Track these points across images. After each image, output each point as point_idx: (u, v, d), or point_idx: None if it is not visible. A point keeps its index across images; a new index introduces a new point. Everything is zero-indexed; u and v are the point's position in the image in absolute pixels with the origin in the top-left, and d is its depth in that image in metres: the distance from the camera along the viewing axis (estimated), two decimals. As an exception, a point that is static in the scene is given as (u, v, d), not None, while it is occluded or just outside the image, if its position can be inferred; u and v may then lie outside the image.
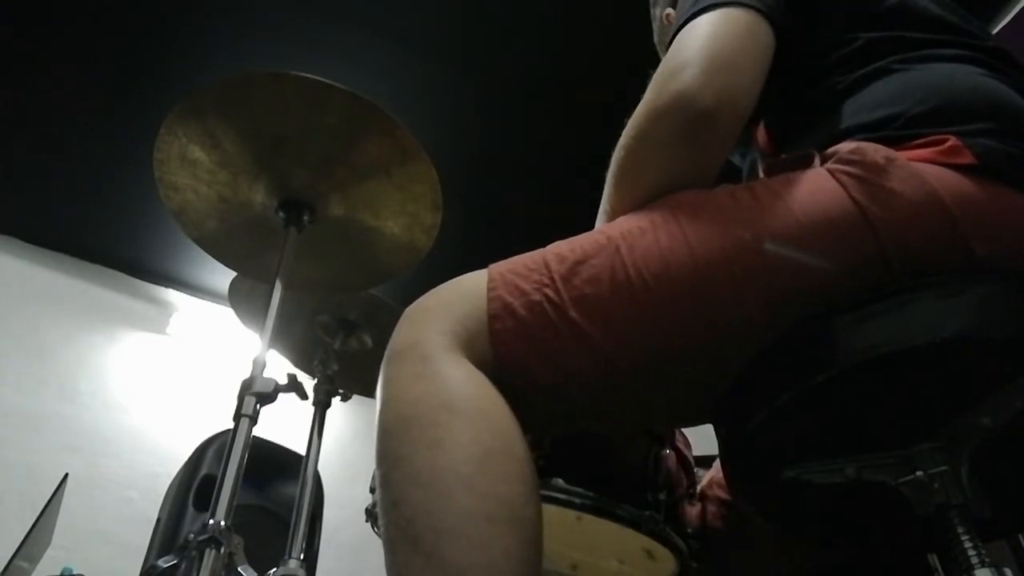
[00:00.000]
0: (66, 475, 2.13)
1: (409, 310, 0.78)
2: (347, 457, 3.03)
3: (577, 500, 0.96)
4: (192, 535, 1.06)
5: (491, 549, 0.58)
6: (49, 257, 3.11)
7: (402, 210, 1.46)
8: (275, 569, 1.44)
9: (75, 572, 2.14)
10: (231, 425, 1.19)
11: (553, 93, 2.57)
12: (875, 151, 0.70)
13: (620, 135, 0.81)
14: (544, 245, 0.79)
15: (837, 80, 0.84)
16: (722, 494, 1.07)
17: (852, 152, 0.71)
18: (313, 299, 1.79)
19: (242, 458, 1.14)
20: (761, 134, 0.98)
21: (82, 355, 3.02)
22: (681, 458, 1.08)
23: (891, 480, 0.69)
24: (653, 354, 0.71)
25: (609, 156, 0.83)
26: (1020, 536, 1.28)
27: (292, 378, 1.29)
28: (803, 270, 0.68)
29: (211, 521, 1.06)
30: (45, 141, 2.69)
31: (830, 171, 0.71)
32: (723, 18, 0.78)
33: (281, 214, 1.44)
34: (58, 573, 2.11)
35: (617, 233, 0.75)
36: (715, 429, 0.78)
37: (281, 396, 1.25)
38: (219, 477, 1.11)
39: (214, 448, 2.17)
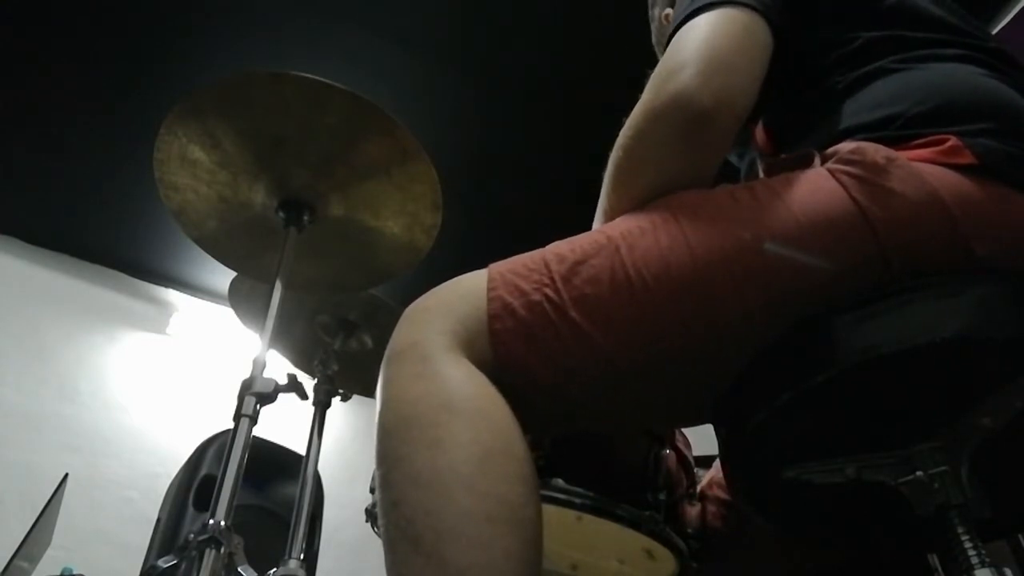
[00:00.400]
0: (66, 475, 2.13)
1: (409, 310, 0.78)
2: (347, 457, 3.03)
3: (577, 500, 0.96)
4: (192, 535, 1.06)
5: (491, 549, 0.58)
6: (49, 257, 3.11)
7: (402, 210, 1.46)
8: (275, 569, 1.44)
9: (75, 572, 2.14)
10: (231, 425, 1.19)
11: (553, 93, 2.57)
12: (875, 151, 0.70)
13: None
14: (544, 245, 0.79)
15: (837, 80, 0.84)
16: (722, 494, 1.07)
17: (852, 152, 0.71)
18: (313, 299, 1.79)
19: (242, 458, 1.14)
20: (760, 134, 0.98)
21: (82, 355, 3.02)
22: (681, 458, 1.08)
23: (891, 480, 0.69)
24: (653, 354, 0.71)
25: (609, 156, 0.83)
26: (1020, 536, 1.27)
27: (292, 378, 1.29)
28: (803, 270, 0.68)
29: (211, 521, 1.06)
30: (45, 141, 2.69)
31: (830, 171, 0.71)
32: (721, 18, 0.78)
33: (281, 214, 1.44)
34: (58, 573, 2.11)
35: (617, 233, 0.75)
36: (715, 429, 0.78)
37: (281, 396, 1.25)
38: (219, 477, 1.11)
39: (214, 448, 2.17)
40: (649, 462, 1.03)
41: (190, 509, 2.02)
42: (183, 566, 1.08)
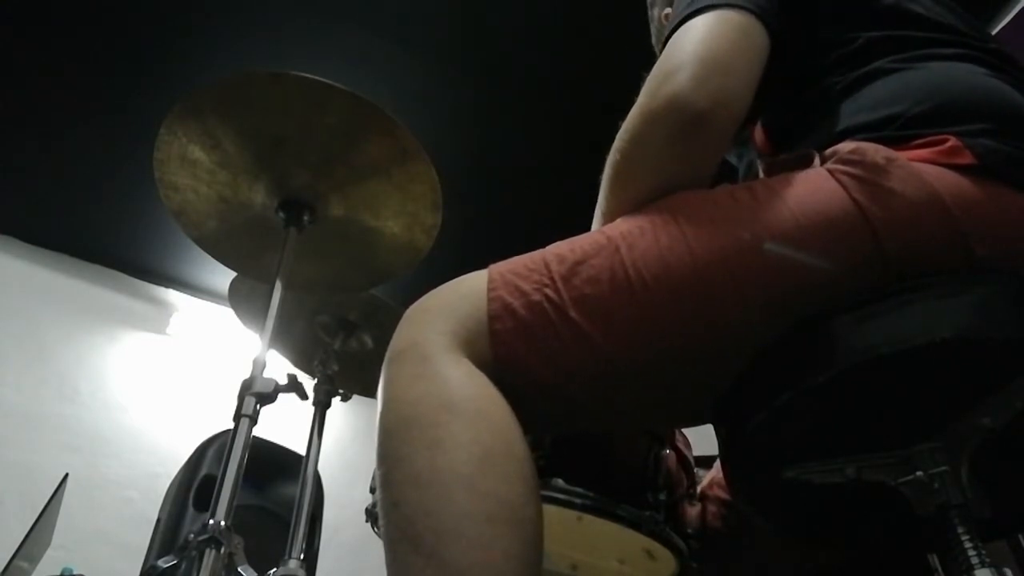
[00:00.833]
0: (66, 475, 2.13)
1: (409, 311, 0.78)
2: (347, 457, 3.03)
3: (577, 500, 0.96)
4: (192, 535, 1.06)
5: (491, 549, 0.58)
6: (49, 257, 3.11)
7: (402, 210, 1.46)
8: (275, 569, 1.44)
9: (75, 572, 2.14)
10: (231, 425, 1.19)
11: (553, 93, 2.57)
12: (875, 151, 0.70)
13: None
14: (544, 245, 0.79)
15: (836, 80, 0.84)
16: (722, 494, 1.07)
17: (852, 152, 0.71)
18: (313, 299, 1.79)
19: (242, 458, 1.14)
20: (759, 134, 0.98)
21: (82, 355, 3.02)
22: (681, 458, 1.08)
23: (891, 480, 0.69)
24: (653, 354, 0.71)
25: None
26: (1020, 536, 1.27)
27: (292, 378, 1.29)
28: (803, 270, 0.68)
29: (211, 521, 1.06)
30: (45, 141, 2.69)
31: (830, 171, 0.71)
32: (717, 20, 0.78)
33: (281, 214, 1.45)
34: (58, 573, 2.11)
35: (617, 233, 0.75)
36: (715, 429, 0.78)
37: (281, 396, 1.25)
38: (219, 477, 1.11)
39: (214, 448, 2.17)
40: (649, 462, 1.03)
41: (190, 509, 2.02)
42: (183, 566, 1.08)
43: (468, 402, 0.67)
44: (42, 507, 1.96)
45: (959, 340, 0.62)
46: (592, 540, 1.04)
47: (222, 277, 2.12)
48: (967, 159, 0.69)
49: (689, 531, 1.03)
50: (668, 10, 1.19)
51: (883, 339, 0.64)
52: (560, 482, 0.97)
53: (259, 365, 1.26)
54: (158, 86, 2.36)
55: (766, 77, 0.80)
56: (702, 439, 1.03)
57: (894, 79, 0.80)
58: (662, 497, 1.01)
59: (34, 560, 1.99)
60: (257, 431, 1.21)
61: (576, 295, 0.72)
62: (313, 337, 1.85)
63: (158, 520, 2.11)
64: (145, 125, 1.48)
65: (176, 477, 2.18)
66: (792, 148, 0.84)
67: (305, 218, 1.45)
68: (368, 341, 1.87)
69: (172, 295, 3.34)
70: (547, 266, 0.75)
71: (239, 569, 1.12)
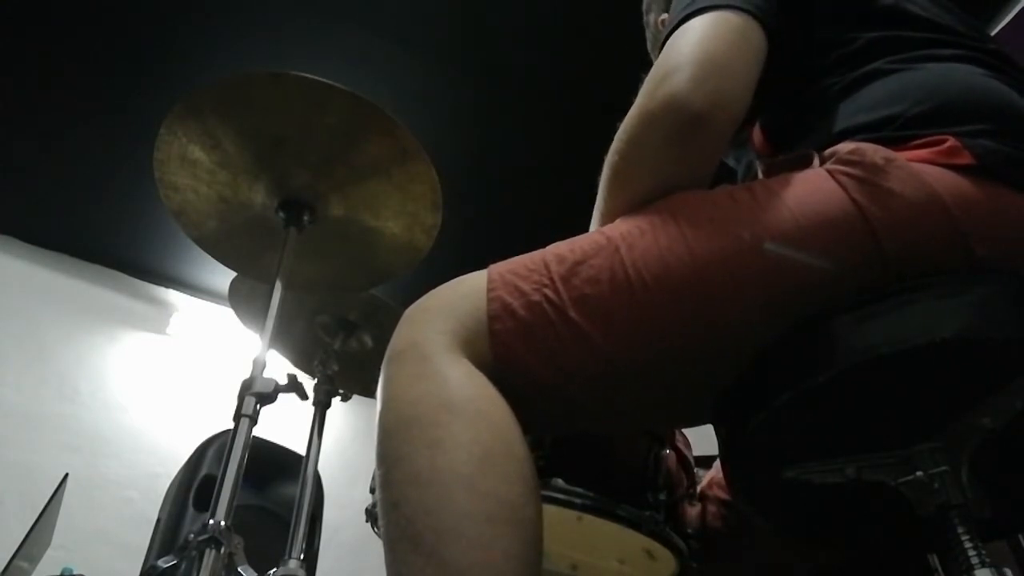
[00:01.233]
0: (66, 475, 2.13)
1: (409, 311, 0.78)
2: (347, 457, 3.03)
3: (577, 500, 0.96)
4: (192, 535, 1.06)
5: (491, 549, 0.58)
6: (49, 257, 3.11)
7: (402, 210, 1.46)
8: (275, 569, 1.44)
9: (75, 572, 2.14)
10: (231, 425, 1.19)
11: (553, 93, 2.57)
12: (874, 151, 0.70)
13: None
14: (544, 245, 0.79)
15: (835, 80, 0.84)
16: (722, 494, 1.07)
17: (851, 152, 0.71)
18: (313, 299, 1.79)
19: (242, 458, 1.14)
20: (757, 135, 0.98)
21: (82, 355, 3.02)
22: (681, 458, 1.08)
23: (891, 480, 0.69)
24: (653, 354, 0.71)
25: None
26: (1020, 536, 1.28)
27: (292, 378, 1.29)
28: (802, 270, 0.68)
29: (211, 521, 1.06)
30: (45, 141, 2.69)
31: (829, 171, 0.71)
32: (715, 21, 0.78)
33: (281, 214, 1.45)
34: (58, 573, 2.11)
35: (616, 233, 0.76)
36: (715, 429, 0.78)
37: (281, 396, 1.25)
38: (219, 477, 1.11)
39: (214, 448, 2.17)
40: (649, 462, 1.03)
41: (190, 509, 2.02)
42: (183, 566, 1.08)
43: (468, 402, 0.67)
44: (42, 507, 1.96)
45: (959, 340, 0.62)
46: (592, 540, 1.04)
47: (222, 277, 2.12)
48: (966, 159, 0.69)
49: (689, 531, 1.03)
50: (664, 16, 1.19)
51: (883, 339, 0.64)
52: (560, 482, 0.96)
53: (259, 365, 1.26)
54: (158, 86, 2.36)
55: (764, 78, 0.80)
56: (702, 439, 1.04)
57: (893, 80, 0.80)
58: (662, 497, 1.01)
59: (34, 560, 1.99)
60: (257, 431, 1.21)
61: (576, 295, 0.72)
62: (313, 337, 1.85)
63: (158, 520, 2.11)
64: (145, 125, 1.48)
65: (176, 477, 2.18)
66: (791, 149, 0.84)
67: (305, 218, 1.45)
68: (368, 341, 1.87)
69: (172, 295, 3.34)
70: (547, 266, 0.75)
71: (239, 569, 1.12)
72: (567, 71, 2.49)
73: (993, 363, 0.64)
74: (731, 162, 1.12)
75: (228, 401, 1.22)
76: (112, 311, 3.18)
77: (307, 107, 1.33)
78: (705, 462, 1.14)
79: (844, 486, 0.71)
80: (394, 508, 0.63)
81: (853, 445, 0.71)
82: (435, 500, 0.61)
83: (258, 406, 1.21)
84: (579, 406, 0.77)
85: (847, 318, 0.66)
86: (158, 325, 3.28)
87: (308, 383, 1.46)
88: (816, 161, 0.74)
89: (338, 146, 1.38)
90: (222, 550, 1.05)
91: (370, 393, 0.75)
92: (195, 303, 3.36)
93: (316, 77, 1.28)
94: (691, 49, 0.76)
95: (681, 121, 0.74)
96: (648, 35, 1.29)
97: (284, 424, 2.01)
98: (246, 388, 1.22)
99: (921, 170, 0.69)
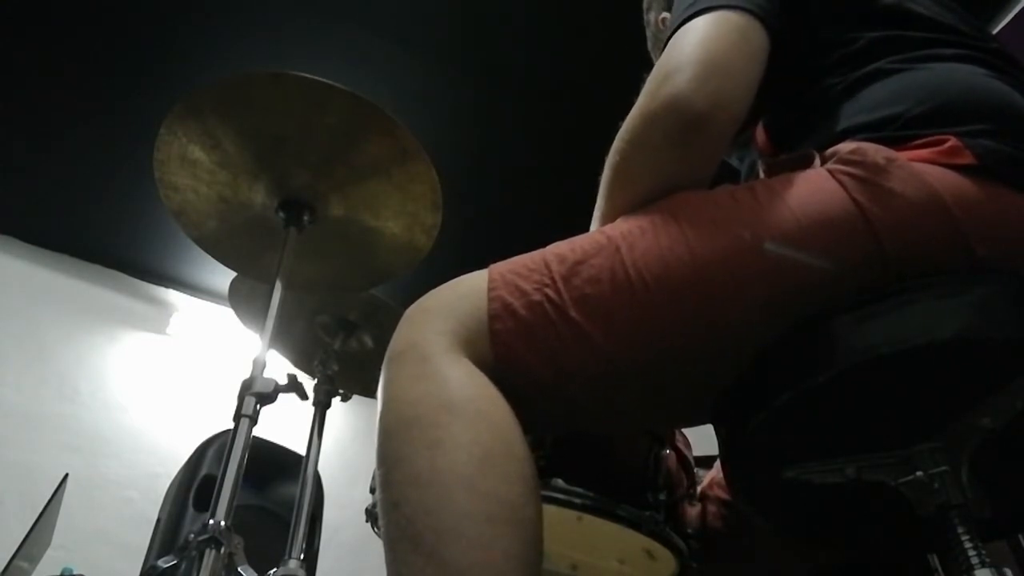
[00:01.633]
0: (66, 475, 2.13)
1: (409, 311, 0.78)
2: (347, 457, 3.03)
3: (577, 500, 0.96)
4: (192, 535, 1.06)
5: (491, 549, 0.58)
6: (49, 257, 3.11)
7: (402, 210, 1.46)
8: (275, 569, 1.44)
9: (75, 572, 2.14)
10: (231, 425, 1.19)
11: (553, 93, 2.57)
12: (875, 151, 0.70)
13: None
14: (544, 245, 0.79)
15: (836, 80, 0.84)
16: (722, 494, 1.07)
17: (852, 152, 0.71)
18: (313, 299, 1.79)
19: (242, 458, 1.14)
20: (760, 135, 0.98)
21: (82, 355, 3.02)
22: (681, 458, 1.08)
23: (891, 480, 0.69)
24: (653, 354, 0.71)
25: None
26: (1020, 536, 1.28)
27: (292, 378, 1.29)
28: (803, 270, 0.68)
29: (211, 521, 1.06)
30: (45, 141, 2.69)
31: (830, 171, 0.71)
32: (717, 21, 0.78)
33: (281, 214, 1.44)
34: (58, 573, 2.11)
35: (617, 233, 0.76)
36: (715, 429, 0.78)
37: (281, 396, 1.25)
38: (219, 477, 1.11)
39: (214, 448, 2.16)
40: (649, 462, 1.03)
41: (190, 509, 2.02)
42: (183, 566, 1.08)
43: (468, 402, 0.67)
44: (42, 507, 1.96)
45: (959, 340, 0.62)
46: (592, 540, 1.04)
47: (222, 277, 2.12)
48: (967, 159, 0.69)
49: (689, 531, 1.03)
50: (665, 14, 1.19)
51: (883, 339, 0.64)
52: (560, 482, 0.96)
53: (259, 365, 1.26)
54: (158, 86, 2.36)
55: (767, 77, 0.80)
56: (702, 439, 1.03)
57: (894, 80, 0.80)
58: (662, 497, 1.01)
59: (34, 560, 1.99)
60: (257, 431, 1.21)
61: (576, 295, 0.72)
62: (313, 337, 1.85)
63: (158, 520, 2.11)
64: (145, 125, 1.48)
65: (176, 477, 2.18)
66: (793, 148, 0.84)
67: (305, 218, 1.45)
68: (368, 341, 1.87)
69: (172, 295, 3.34)
70: (547, 266, 0.75)
71: (239, 569, 1.12)
72: (567, 71, 2.49)
73: (993, 363, 0.64)
74: (734, 162, 1.12)
75: (228, 401, 1.22)
76: (112, 311, 3.18)
77: (307, 107, 1.33)
78: (705, 462, 1.14)
79: (844, 486, 0.71)
80: (394, 508, 0.63)
81: (853, 445, 0.71)
82: (435, 500, 0.61)
83: (258, 406, 1.21)
84: (580, 406, 0.77)
85: (847, 318, 0.66)
86: (158, 325, 3.28)
87: (308, 383, 1.46)
88: (817, 161, 0.74)
89: (338, 146, 1.38)
90: (222, 550, 1.05)
91: (370, 393, 0.75)
92: (195, 303, 3.36)
93: (316, 77, 1.28)
94: (693, 49, 0.76)
95: (682, 121, 0.74)
96: (648, 35, 1.29)
97: (284, 424, 2.01)
98: (246, 388, 1.22)
99: (922, 170, 0.69)
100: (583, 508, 0.96)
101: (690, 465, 1.09)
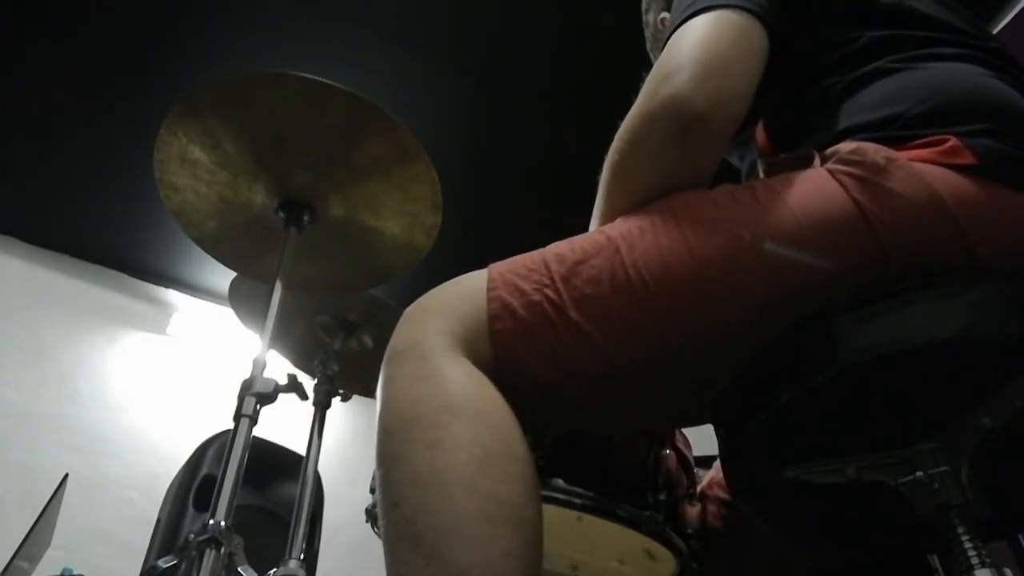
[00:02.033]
0: (66, 475, 2.13)
1: (409, 310, 0.78)
2: (347, 457, 3.03)
3: (577, 500, 0.96)
4: (192, 535, 1.06)
5: (491, 550, 0.58)
6: (49, 257, 3.11)
7: (402, 210, 1.46)
8: (275, 569, 1.44)
9: (75, 572, 2.14)
10: (231, 425, 1.19)
11: (553, 93, 2.57)
12: (875, 151, 0.70)
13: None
14: (544, 245, 0.79)
15: (836, 80, 0.84)
16: (722, 494, 1.07)
17: (852, 152, 0.71)
18: (313, 299, 1.79)
19: (242, 458, 1.14)
20: (760, 134, 0.98)
21: (82, 355, 3.02)
22: (681, 458, 1.08)
23: (891, 480, 0.69)
24: (653, 354, 0.71)
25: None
26: (1020, 536, 1.28)
27: (292, 378, 1.29)
28: (803, 270, 0.68)
29: (211, 521, 1.06)
30: (45, 141, 2.69)
31: (830, 171, 0.71)
32: (716, 20, 0.78)
33: (281, 214, 1.44)
34: (58, 573, 2.11)
35: (617, 233, 0.75)
36: (715, 429, 0.78)
37: (281, 396, 1.25)
38: (219, 477, 1.11)
39: (214, 448, 2.16)
40: (649, 462, 1.03)
41: (190, 509, 2.02)
42: (183, 566, 1.08)
43: (468, 402, 0.67)
44: (42, 507, 1.96)
45: (959, 340, 0.62)
46: (592, 540, 1.04)
47: (222, 277, 2.12)
48: (967, 159, 0.69)
49: (689, 531, 1.03)
50: (664, 15, 1.19)
51: (883, 339, 0.64)
52: (560, 482, 0.96)
53: (259, 365, 1.26)
54: (158, 86, 2.36)
55: (767, 77, 0.80)
56: (702, 439, 1.03)
57: (894, 79, 0.80)
58: (662, 497, 1.01)
59: (34, 560, 1.99)
60: (257, 431, 1.21)
61: (576, 295, 0.72)
62: (313, 337, 1.85)
63: (158, 520, 2.11)
64: (145, 125, 1.48)
65: (176, 477, 2.18)
66: (793, 148, 0.84)
67: (305, 218, 1.45)
68: (368, 341, 1.87)
69: (172, 295, 3.34)
70: (547, 266, 0.75)
71: (239, 569, 1.12)
72: (567, 71, 2.49)
73: (993, 363, 0.64)
74: (735, 161, 1.12)
75: (228, 401, 1.22)
76: (112, 311, 3.18)
77: (307, 107, 1.33)
78: (705, 462, 1.14)
79: (844, 486, 0.71)
80: (394, 508, 0.63)
81: (853, 445, 0.71)
82: (435, 500, 0.61)
83: (258, 406, 1.21)
84: (579, 406, 0.77)
85: (847, 318, 0.66)
86: (158, 325, 3.28)
87: (308, 383, 1.46)
88: (817, 161, 0.74)
89: (338, 146, 1.38)
90: (222, 550, 1.05)
91: (370, 393, 0.75)
92: (195, 303, 3.36)
93: (316, 77, 1.28)
94: (692, 49, 0.76)
95: (682, 121, 0.74)
96: (648, 34, 1.29)
97: (284, 424, 2.01)
98: (246, 388, 1.22)
99: (922, 170, 0.69)
100: (583, 508, 0.96)
101: (690, 465, 1.09)
